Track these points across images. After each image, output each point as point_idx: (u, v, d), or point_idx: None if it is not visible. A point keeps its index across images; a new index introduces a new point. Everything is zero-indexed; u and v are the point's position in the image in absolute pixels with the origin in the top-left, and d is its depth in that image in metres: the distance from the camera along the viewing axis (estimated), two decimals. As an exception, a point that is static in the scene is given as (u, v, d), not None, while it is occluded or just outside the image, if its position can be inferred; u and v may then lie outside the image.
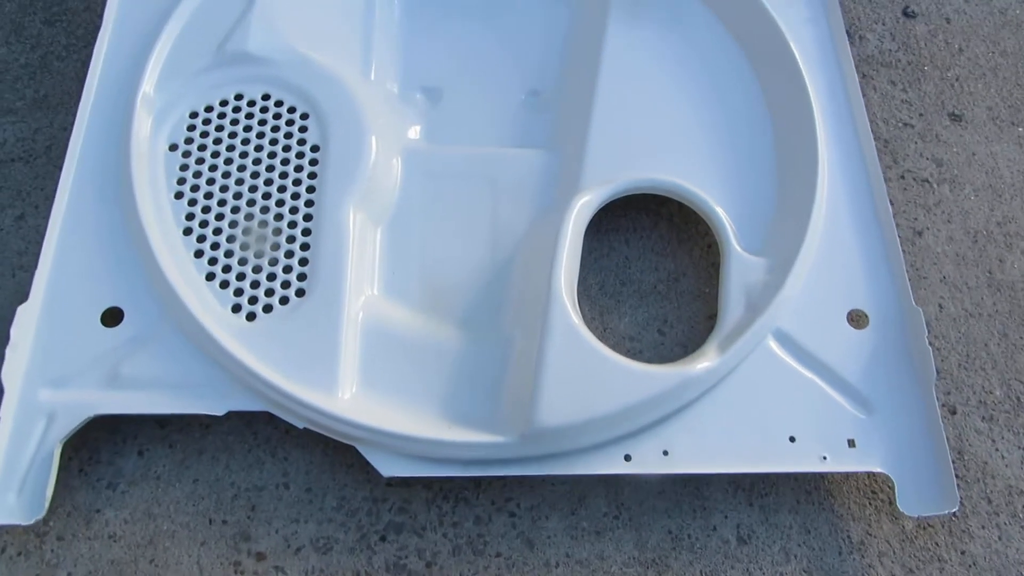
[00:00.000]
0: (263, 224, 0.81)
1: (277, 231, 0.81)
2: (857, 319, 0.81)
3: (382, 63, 0.98)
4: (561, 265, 0.79)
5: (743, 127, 0.93)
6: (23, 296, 0.80)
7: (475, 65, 1.01)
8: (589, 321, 0.85)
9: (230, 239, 0.81)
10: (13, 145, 0.94)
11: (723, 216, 0.85)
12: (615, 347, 0.83)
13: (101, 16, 1.04)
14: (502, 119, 0.98)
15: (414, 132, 0.96)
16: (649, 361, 0.82)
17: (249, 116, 0.87)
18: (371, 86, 0.95)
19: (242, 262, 0.80)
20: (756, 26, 0.97)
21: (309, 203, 0.83)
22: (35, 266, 0.80)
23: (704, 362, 0.76)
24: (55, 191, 0.89)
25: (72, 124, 0.95)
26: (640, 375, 0.74)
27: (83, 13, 1.05)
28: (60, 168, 0.91)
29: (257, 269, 0.80)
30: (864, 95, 1.01)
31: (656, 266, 0.89)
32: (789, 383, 0.78)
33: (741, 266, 0.82)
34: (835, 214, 0.86)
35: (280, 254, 0.80)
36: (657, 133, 0.92)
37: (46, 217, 0.88)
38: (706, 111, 0.94)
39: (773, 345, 0.79)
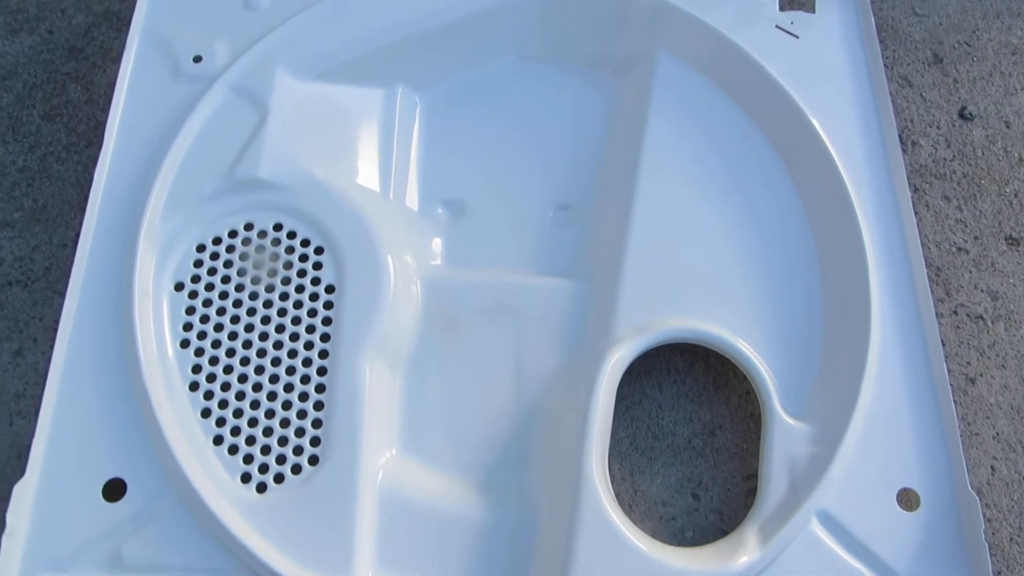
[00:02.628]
0: (274, 379, 0.76)
1: (289, 387, 0.76)
2: (908, 500, 0.75)
3: (401, 178, 0.92)
4: (593, 440, 0.74)
5: (787, 261, 0.86)
6: (20, 449, 0.76)
7: (501, 175, 0.95)
8: (619, 482, 0.80)
9: (239, 396, 0.76)
10: (11, 265, 0.88)
11: (766, 374, 0.79)
12: (647, 512, 0.78)
13: (103, 109, 0.99)
14: (529, 235, 0.92)
15: (436, 246, 0.90)
16: (682, 529, 0.77)
17: (260, 250, 0.82)
18: (389, 207, 0.89)
19: (252, 423, 0.75)
20: (803, 145, 0.89)
21: (323, 354, 0.77)
22: (35, 416, 0.76)
23: (744, 555, 0.70)
24: (54, 321, 0.85)
25: (72, 240, 0.90)
26: (677, 573, 0.69)
27: (84, 106, 0.99)
28: (59, 294, 0.86)
29: (268, 431, 0.74)
30: (916, 213, 0.95)
31: (691, 416, 0.84)
32: (833, 572, 0.73)
33: (785, 434, 0.77)
34: (886, 373, 0.80)
35: (292, 414, 0.75)
36: (694, 267, 0.85)
37: (44, 352, 0.83)
38: (747, 241, 0.87)
39: (817, 529, 0.74)
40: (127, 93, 0.87)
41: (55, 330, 0.83)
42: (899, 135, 0.96)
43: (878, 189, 0.89)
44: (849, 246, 0.86)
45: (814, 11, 0.95)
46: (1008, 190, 1.00)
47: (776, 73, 0.91)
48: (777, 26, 0.94)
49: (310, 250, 0.82)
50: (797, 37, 0.93)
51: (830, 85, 0.92)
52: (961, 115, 1.05)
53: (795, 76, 0.92)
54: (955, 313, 0.91)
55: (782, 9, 0.95)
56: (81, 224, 0.85)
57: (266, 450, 0.74)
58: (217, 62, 0.88)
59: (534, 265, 0.90)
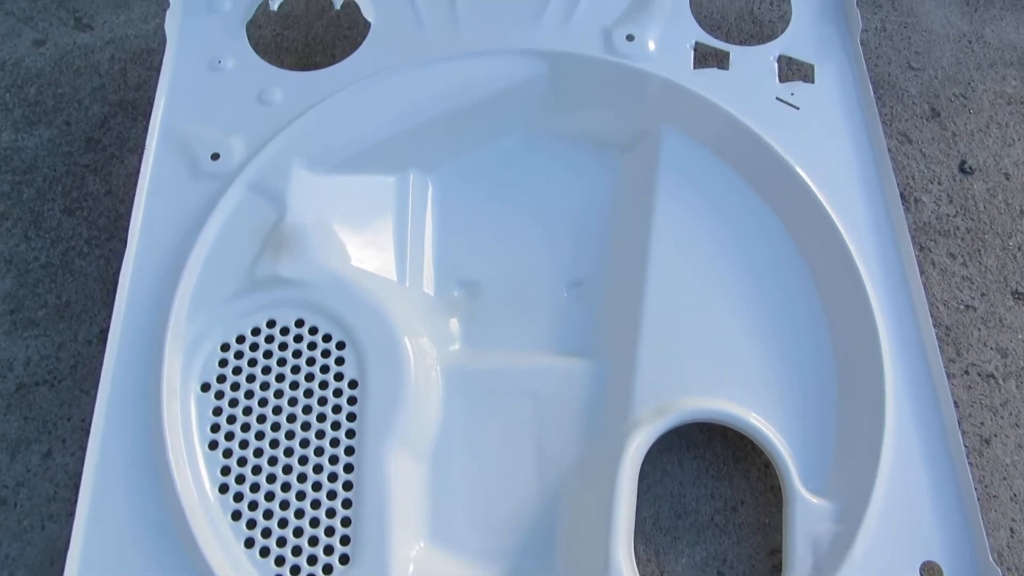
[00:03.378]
0: (302, 478, 0.78)
1: (317, 486, 0.78)
2: (931, 573, 0.76)
3: (417, 263, 0.94)
4: (618, 527, 0.75)
5: (798, 332, 0.88)
6: (53, 555, 0.77)
7: (513, 254, 0.97)
8: (645, 564, 0.81)
9: (268, 496, 0.77)
10: (37, 365, 0.90)
11: (784, 451, 0.80)
12: (673, 595, 0.79)
13: (122, 201, 1.01)
14: (544, 314, 0.94)
15: (453, 328, 0.92)
16: (709, 609, 0.78)
17: (283, 347, 0.83)
18: (407, 294, 0.91)
19: (282, 524, 0.76)
20: (807, 216, 0.91)
21: (349, 450, 0.79)
22: (66, 519, 0.77)
23: (773, 640, 0.72)
24: (82, 421, 0.87)
25: (97, 336, 0.92)
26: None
27: (104, 198, 1.02)
28: (86, 392, 0.88)
29: (298, 532, 0.76)
30: (923, 271, 0.97)
31: (712, 492, 0.85)
32: (860, 652, 0.74)
33: (806, 513, 0.78)
34: (902, 442, 0.80)
35: (321, 513, 0.76)
36: (708, 343, 0.87)
37: (74, 453, 0.85)
38: (758, 314, 0.88)
39: (843, 608, 0.75)
40: (147, 193, 0.89)
41: (83, 430, 0.86)
42: (901, 193, 0.98)
43: (883, 254, 0.90)
44: (858, 314, 0.87)
45: (813, 82, 0.98)
46: (1011, 243, 1.02)
47: (778, 144, 0.93)
48: (778, 98, 0.96)
49: (332, 345, 0.83)
50: (798, 108, 0.96)
51: (832, 153, 0.94)
52: (961, 169, 1.07)
53: (797, 146, 0.94)
54: (966, 373, 0.93)
55: (782, 80, 0.98)
56: (105, 320, 0.87)
57: (297, 551, 0.75)
58: (234, 159, 0.90)
59: (550, 344, 0.92)
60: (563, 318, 0.94)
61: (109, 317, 0.82)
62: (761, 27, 1.19)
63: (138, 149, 1.03)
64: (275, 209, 0.88)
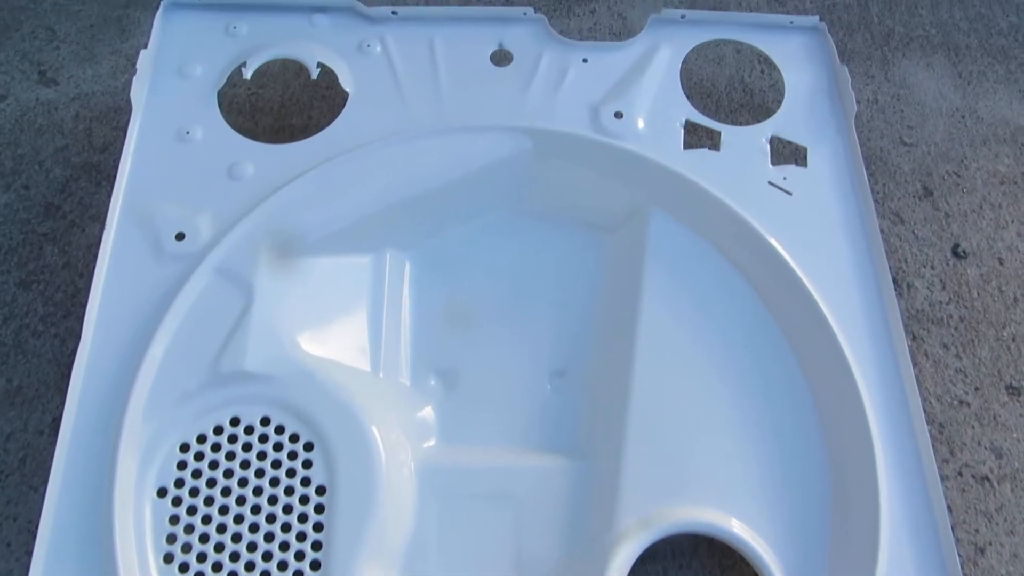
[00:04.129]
0: (264, 597, 0.73)
1: (280, 606, 0.73)
2: None
3: (392, 350, 0.89)
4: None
5: (789, 433, 0.84)
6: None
7: (493, 340, 0.92)
8: None
9: (227, 618, 0.72)
10: (-17, 457, 0.85)
11: (773, 566, 0.77)
12: None
13: (81, 275, 0.96)
14: (525, 407, 0.89)
15: (429, 420, 0.87)
16: None
17: (247, 448, 0.78)
18: (381, 387, 0.86)
19: (241, 648, 0.71)
20: (797, 307, 0.87)
21: (315, 565, 0.73)
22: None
23: None
24: (29, 522, 0.81)
25: (49, 426, 0.86)
26: None
27: (62, 271, 0.96)
28: (34, 489, 0.83)
29: (258, 658, 0.71)
30: (916, 363, 0.94)
31: (698, 605, 0.81)
32: None
33: (797, 634, 0.75)
34: (896, 554, 0.76)
35: (284, 636, 0.72)
36: (694, 446, 0.83)
37: (20, 559, 0.79)
38: (746, 413, 0.85)
39: None
40: (106, 276, 0.83)
41: (30, 532, 0.80)
42: (894, 277, 0.95)
43: (876, 348, 0.87)
44: (850, 414, 0.84)
45: (806, 165, 0.95)
46: (1005, 334, 0.99)
47: (770, 232, 0.90)
48: (770, 182, 0.93)
49: (299, 446, 0.78)
50: (790, 194, 0.93)
51: (824, 241, 0.91)
52: (954, 252, 1.05)
53: (789, 233, 0.90)
54: (960, 475, 0.90)
55: (775, 163, 0.95)
56: (59, 407, 0.82)
57: (256, 678, 0.70)
58: (201, 239, 0.85)
59: (531, 440, 0.88)
60: (545, 411, 0.89)
61: (63, 405, 0.77)
62: (752, 96, 1.16)
63: (100, 217, 0.98)
64: (242, 296, 0.83)
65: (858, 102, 1.13)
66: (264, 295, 0.83)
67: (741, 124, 0.97)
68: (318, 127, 0.93)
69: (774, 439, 0.84)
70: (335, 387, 0.81)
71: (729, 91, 1.16)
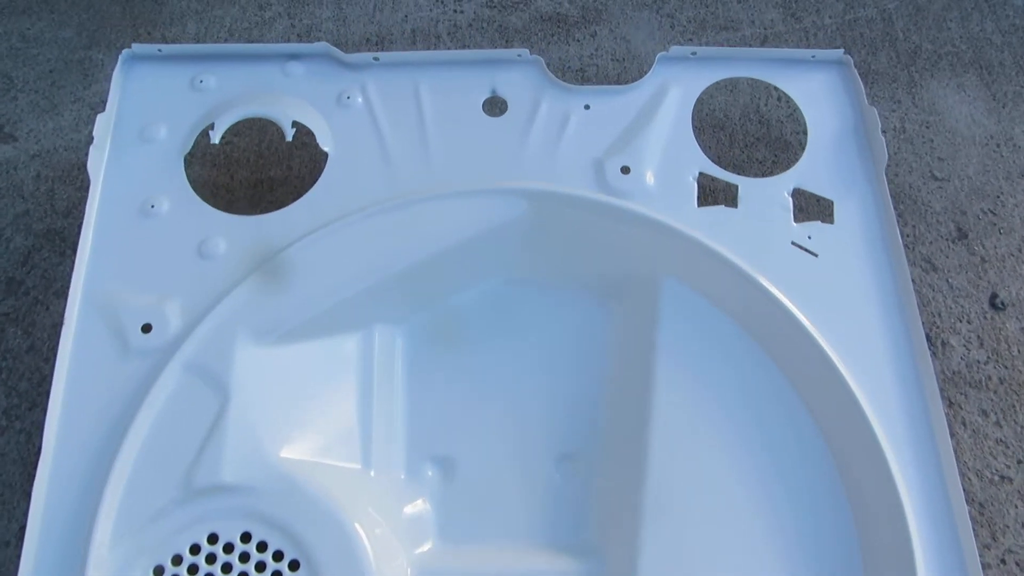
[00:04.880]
0: None
1: None
2: None
3: (383, 440, 0.82)
4: None
5: (817, 516, 0.77)
6: None
7: (493, 423, 0.85)
8: None
9: None
10: (-56, 574, 0.79)
11: None
12: None
13: (46, 360, 0.89)
14: (529, 497, 0.83)
15: (425, 515, 0.81)
16: None
17: (227, 569, 0.71)
18: (372, 486, 0.79)
19: None
20: (828, 390, 0.80)
21: None
22: None
23: None
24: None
25: (15, 535, 0.80)
26: None
27: (26, 356, 0.89)
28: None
29: None
30: (953, 434, 0.87)
31: None
32: None
33: None
34: None
35: None
36: (717, 540, 0.76)
37: None
38: (772, 497, 0.77)
39: None
40: (68, 377, 0.75)
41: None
42: (927, 335, 0.87)
43: (910, 424, 0.79)
44: (883, 497, 0.76)
45: (832, 221, 0.86)
46: (1050, 396, 0.92)
47: (793, 298, 0.82)
48: (793, 243, 0.85)
49: (284, 565, 0.72)
50: (816, 256, 0.84)
51: (853, 308, 0.82)
52: (992, 304, 0.97)
53: (814, 299, 0.82)
54: (1003, 562, 0.83)
55: (798, 219, 0.86)
56: (25, 514, 0.75)
57: None
58: (169, 331, 0.77)
59: (537, 534, 0.81)
60: (552, 501, 0.82)
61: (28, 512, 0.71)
62: (768, 128, 1.07)
63: (65, 292, 0.89)
64: (216, 397, 0.75)
65: (884, 132, 1.05)
66: (240, 394, 0.76)
67: (758, 160, 0.88)
68: (298, 179, 0.85)
69: (801, 525, 0.77)
70: (321, 496, 0.74)
71: (744, 123, 1.07)
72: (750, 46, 1.13)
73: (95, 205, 0.84)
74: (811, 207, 0.88)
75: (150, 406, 0.75)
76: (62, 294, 0.91)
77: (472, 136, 0.89)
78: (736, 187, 0.88)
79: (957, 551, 0.75)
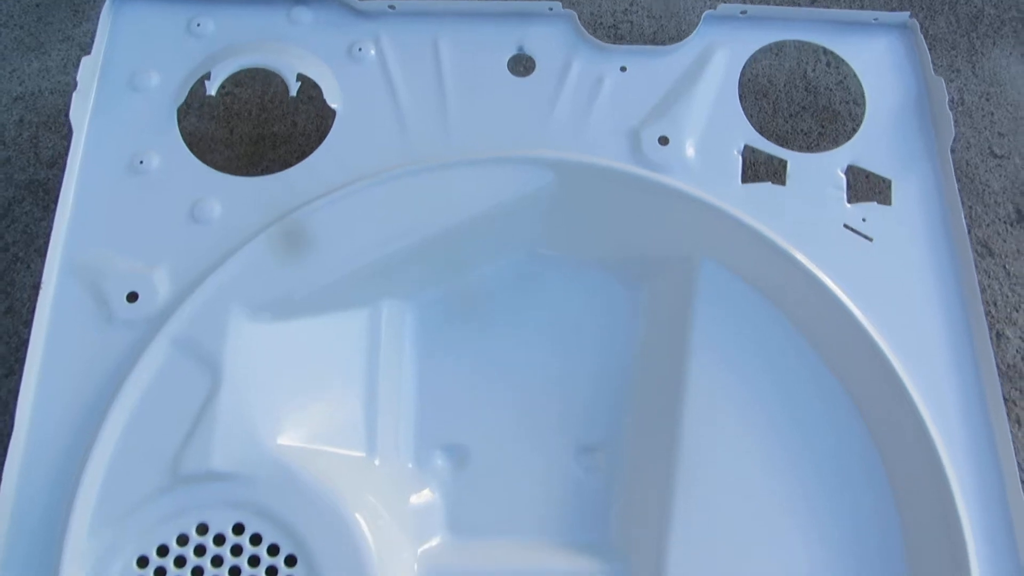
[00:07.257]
0: None
1: None
2: None
3: (390, 426, 0.76)
4: None
5: (864, 524, 0.72)
6: None
7: (509, 409, 0.79)
8: None
9: None
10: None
11: None
12: None
13: (26, 323, 0.82)
14: (547, 490, 0.77)
15: (435, 508, 0.75)
16: None
17: (217, 562, 0.66)
18: (377, 475, 0.73)
19: None
20: (882, 390, 0.73)
21: None
22: None
23: None
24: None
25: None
26: None
27: (4, 318, 0.82)
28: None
29: None
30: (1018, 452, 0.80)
31: None
32: None
33: None
34: None
35: None
36: (752, 539, 0.71)
37: None
38: (814, 500, 0.72)
39: None
40: (44, 348, 0.69)
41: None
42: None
43: (968, 427, 0.73)
44: (936, 503, 0.71)
45: (890, 203, 0.79)
46: (1111, 401, 0.85)
47: (844, 287, 0.75)
48: (846, 225, 0.77)
49: (279, 560, 0.66)
50: (871, 240, 0.77)
51: (911, 298, 0.75)
52: (1053, 297, 0.89)
53: (866, 288, 0.75)
54: (1056, 576, 0.77)
55: (851, 200, 0.79)
56: None
57: None
58: (157, 301, 0.70)
59: (554, 531, 0.76)
60: (571, 496, 0.77)
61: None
62: (816, 96, 0.99)
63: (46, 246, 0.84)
64: (207, 376, 0.68)
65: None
66: (234, 374, 0.69)
67: (803, 131, 0.80)
68: (303, 136, 0.77)
69: (845, 530, 0.72)
70: (321, 487, 0.68)
71: (789, 90, 0.98)
72: (800, 6, 1.04)
73: (78, 158, 0.76)
74: (866, 186, 0.80)
75: (134, 383, 0.68)
76: (45, 252, 0.83)
77: (495, 97, 0.81)
78: (785, 162, 0.80)
79: (1014, 557, 0.70)
